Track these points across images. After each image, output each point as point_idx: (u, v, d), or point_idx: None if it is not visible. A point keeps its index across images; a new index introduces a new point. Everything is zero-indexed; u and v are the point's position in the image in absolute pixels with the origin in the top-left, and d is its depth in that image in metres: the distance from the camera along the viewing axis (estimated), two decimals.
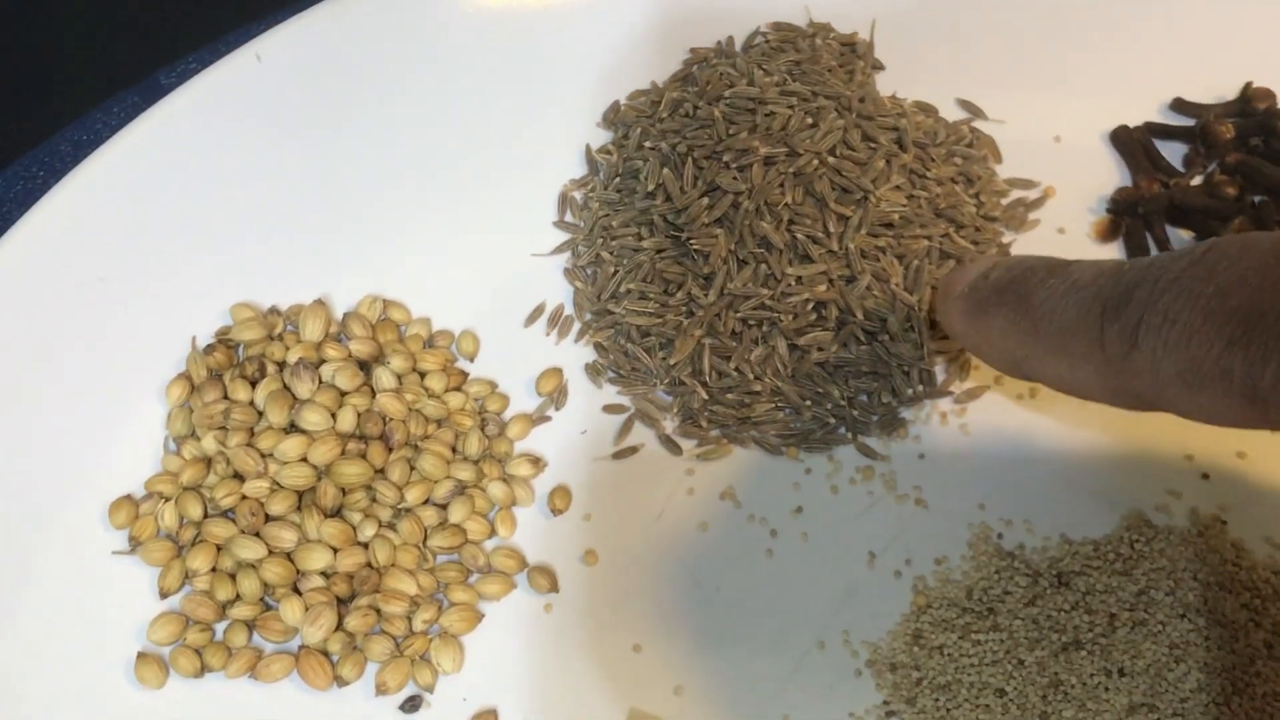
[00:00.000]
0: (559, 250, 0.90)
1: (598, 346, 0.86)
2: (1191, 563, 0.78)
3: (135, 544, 0.78)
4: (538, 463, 0.82)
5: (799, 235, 0.84)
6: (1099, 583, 0.77)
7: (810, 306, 0.84)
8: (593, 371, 0.86)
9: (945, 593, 0.79)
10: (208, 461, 0.79)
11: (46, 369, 0.83)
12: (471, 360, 0.85)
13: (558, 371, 0.85)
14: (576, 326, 0.88)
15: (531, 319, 0.88)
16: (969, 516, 0.82)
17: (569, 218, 0.91)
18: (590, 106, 0.94)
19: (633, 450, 0.84)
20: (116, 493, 0.80)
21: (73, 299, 0.84)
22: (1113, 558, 0.79)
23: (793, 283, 0.83)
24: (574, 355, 0.87)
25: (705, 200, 0.85)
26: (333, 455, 0.78)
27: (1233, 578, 0.78)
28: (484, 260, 0.89)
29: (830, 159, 0.85)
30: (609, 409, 0.85)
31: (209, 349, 0.82)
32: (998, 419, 0.85)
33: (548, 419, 0.85)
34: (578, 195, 0.92)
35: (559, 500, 0.81)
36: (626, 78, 0.94)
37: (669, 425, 0.85)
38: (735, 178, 0.84)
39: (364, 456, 0.78)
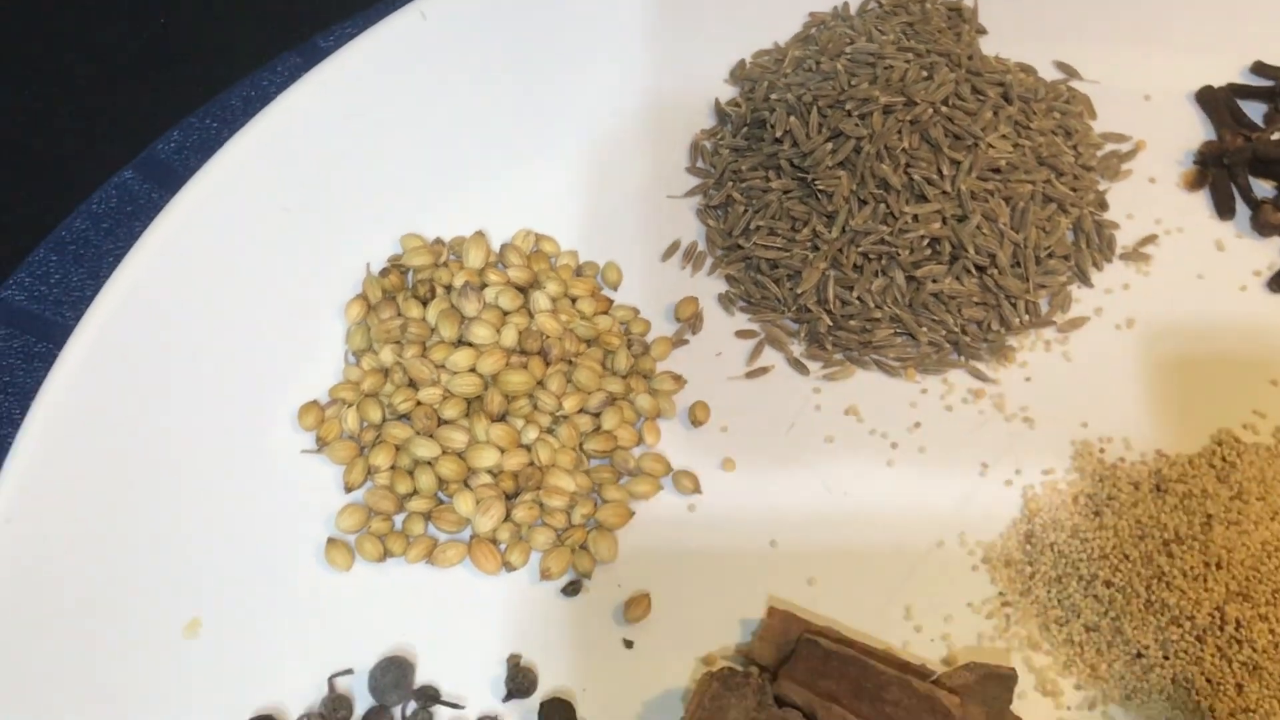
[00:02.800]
0: (692, 193, 0.95)
1: (729, 278, 0.91)
2: (1279, 473, 0.82)
3: (322, 444, 0.83)
4: (679, 379, 0.87)
5: (915, 177, 0.88)
6: (1195, 488, 0.81)
7: (925, 242, 0.89)
8: (726, 301, 0.91)
9: (1053, 499, 0.83)
10: (385, 372, 0.85)
11: (241, 292, 0.89)
12: (615, 289, 0.91)
13: (694, 300, 0.90)
14: (709, 261, 0.92)
15: (668, 254, 0.93)
16: (1072, 434, 0.86)
17: (700, 164, 0.96)
18: (717, 64, 0.99)
19: (764, 371, 0.89)
20: (304, 399, 0.85)
21: (261, 230, 0.91)
22: (1206, 469, 0.83)
23: (910, 220, 0.88)
24: (708, 286, 0.92)
25: (829, 145, 0.90)
26: (498, 366, 0.83)
27: None
28: (625, 202, 0.95)
29: (944, 108, 0.90)
30: (741, 334, 0.90)
31: (383, 272, 0.88)
32: (1097, 346, 0.90)
33: (686, 342, 0.90)
34: (708, 144, 0.97)
35: (699, 413, 0.86)
36: (750, 39, 0.99)
37: (796, 349, 0.90)
38: (857, 124, 0.89)
39: (525, 368, 0.83)
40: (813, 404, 0.87)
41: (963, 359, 0.88)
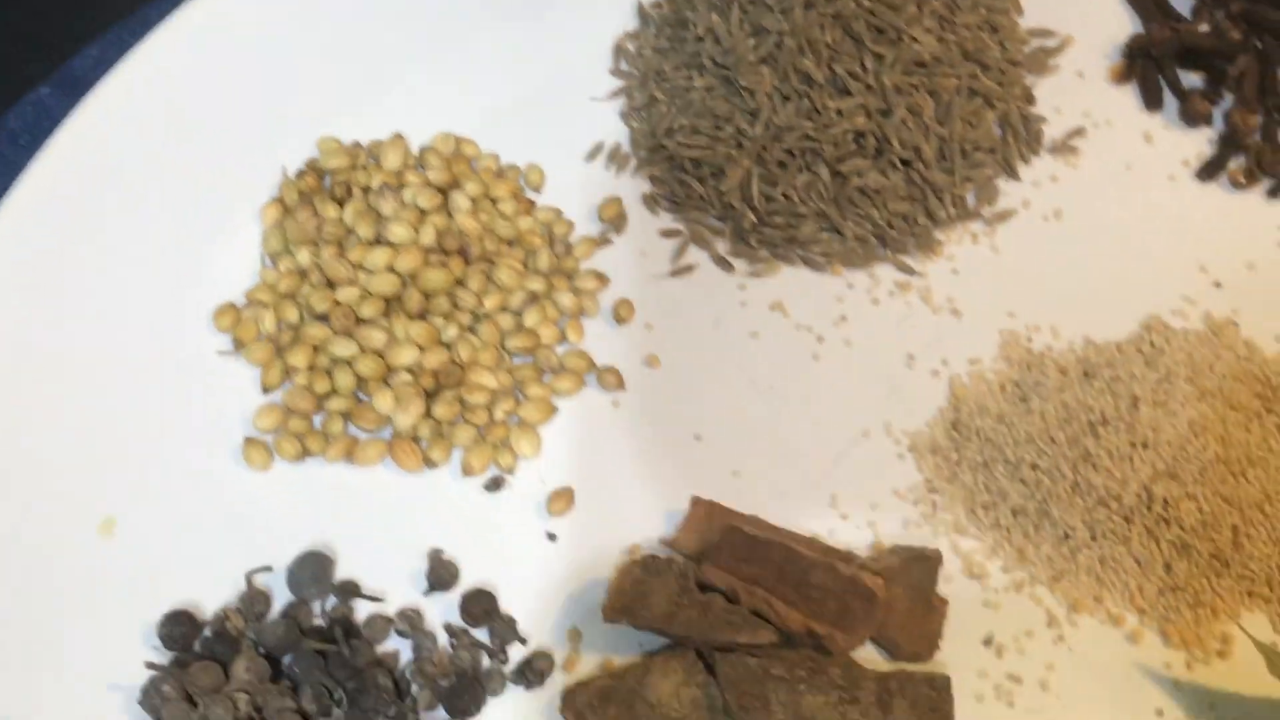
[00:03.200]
0: (615, 95, 0.94)
1: (653, 178, 0.90)
2: (1207, 357, 0.82)
3: (239, 345, 0.82)
4: (602, 278, 0.86)
5: (839, 71, 0.87)
6: (1123, 372, 0.80)
7: (850, 137, 0.87)
8: (650, 201, 0.90)
9: (980, 387, 0.82)
10: (302, 274, 0.83)
11: (155, 198, 0.88)
12: (538, 191, 0.89)
13: (617, 200, 0.89)
14: (633, 162, 0.91)
15: (592, 155, 0.92)
16: (999, 324, 0.86)
17: (624, 66, 0.95)
18: None
19: (689, 269, 0.88)
20: (221, 302, 0.83)
21: (174, 136, 0.89)
22: (1134, 354, 0.82)
23: (833, 115, 0.87)
24: (632, 187, 0.91)
25: (751, 41, 0.89)
26: (416, 264, 0.82)
27: (1246, 371, 0.81)
28: (547, 105, 0.93)
29: (866, 2, 0.88)
30: (665, 233, 0.89)
31: (300, 175, 0.87)
32: (1025, 239, 0.89)
33: (610, 242, 0.88)
34: (630, 46, 0.96)
35: (623, 311, 0.85)
36: None
37: (721, 247, 0.88)
38: (779, 19, 0.88)
39: (445, 267, 0.82)
40: (738, 301, 0.86)
41: (889, 253, 0.87)
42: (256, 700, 0.67)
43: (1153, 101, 0.93)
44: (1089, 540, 0.75)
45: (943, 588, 0.74)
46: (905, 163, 0.87)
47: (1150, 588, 0.74)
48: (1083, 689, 0.72)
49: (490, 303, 0.82)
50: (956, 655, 0.72)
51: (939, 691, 0.69)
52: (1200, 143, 0.92)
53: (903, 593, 0.72)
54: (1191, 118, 0.92)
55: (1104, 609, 0.74)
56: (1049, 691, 0.72)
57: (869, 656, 0.72)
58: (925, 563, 0.73)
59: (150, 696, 0.68)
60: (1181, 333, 0.83)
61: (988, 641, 0.73)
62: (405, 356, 0.79)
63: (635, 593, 0.70)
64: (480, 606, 0.72)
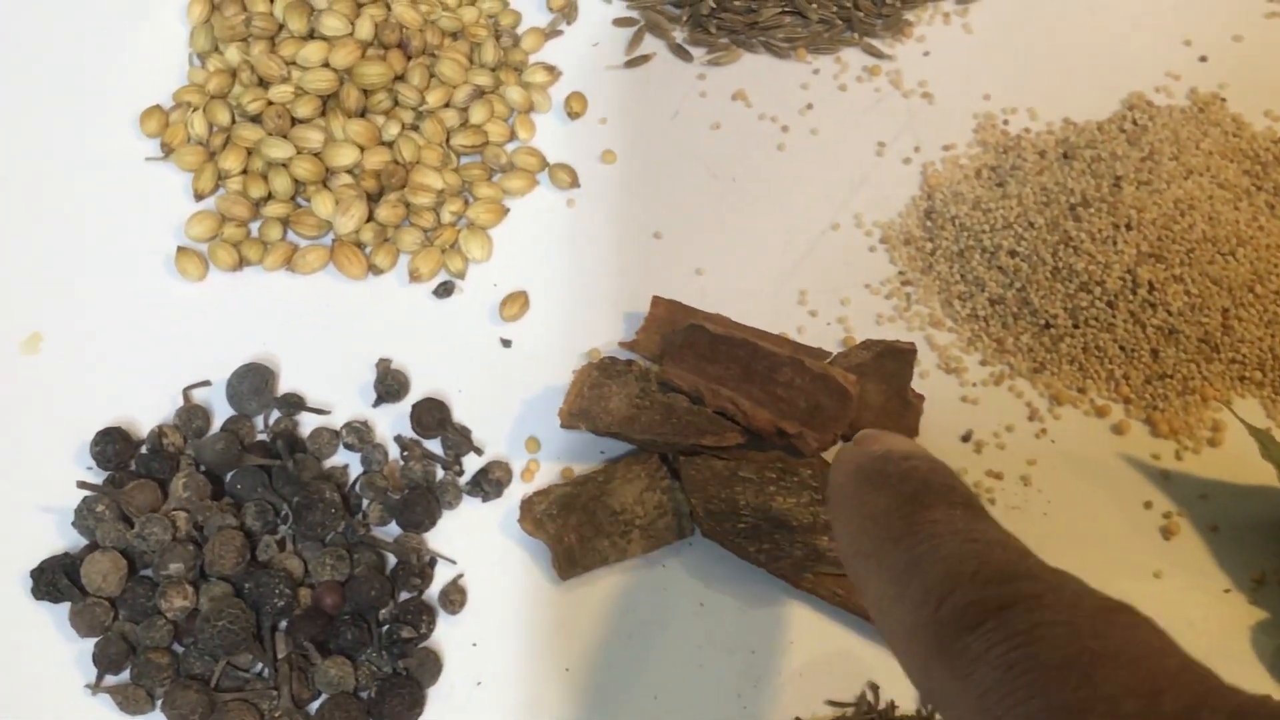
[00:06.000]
0: None
1: None
2: (1193, 134, 0.76)
3: (168, 150, 0.76)
4: (552, 71, 0.80)
5: None
6: (1104, 152, 0.75)
7: None
8: None
9: (954, 174, 0.76)
10: (232, 73, 0.76)
11: None
12: None
13: None
14: None
15: None
16: (974, 107, 0.80)
17: None
18: None
19: (644, 59, 0.81)
20: (145, 104, 0.77)
21: None
22: (1116, 133, 0.77)
23: None
24: None
25: None
26: (353, 59, 0.75)
27: (1234, 147, 0.76)
28: None
29: None
30: (619, 22, 0.83)
31: None
32: (999, 18, 0.83)
33: (560, 33, 0.82)
34: None
35: (575, 104, 0.78)
36: None
37: (678, 35, 0.82)
38: None
39: (384, 60, 0.75)
40: (697, 91, 0.80)
41: (856, 36, 0.82)
42: (196, 518, 0.62)
43: None
44: (1071, 328, 0.69)
45: (918, 383, 0.69)
46: None
47: (1136, 375, 0.69)
48: (1067, 483, 0.67)
49: (433, 98, 0.75)
50: (934, 452, 0.66)
51: None
52: None
53: (876, 389, 0.67)
54: None
55: (1088, 400, 0.69)
56: (1031, 487, 0.67)
57: None
58: (899, 357, 0.68)
59: (84, 517, 0.63)
60: (1166, 110, 0.78)
61: (966, 438, 0.68)
62: (345, 157, 0.73)
63: (593, 396, 0.65)
64: (432, 416, 0.67)
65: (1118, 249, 0.70)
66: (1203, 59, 0.80)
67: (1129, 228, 0.71)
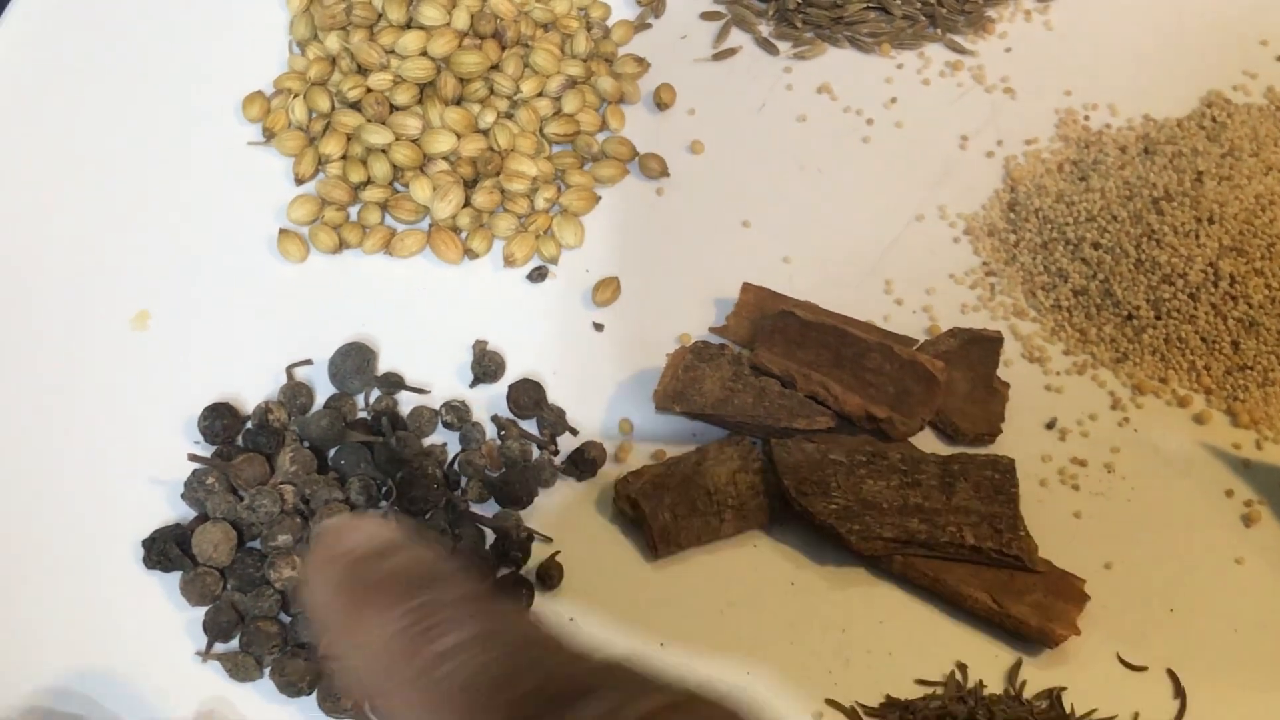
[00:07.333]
0: None
1: None
2: (1272, 131, 0.76)
3: (269, 135, 0.77)
4: (642, 62, 0.81)
5: None
6: (1185, 148, 0.75)
7: None
8: None
9: (1037, 168, 0.77)
10: (332, 61, 0.78)
11: None
12: None
13: None
14: None
15: None
16: (1055, 103, 0.81)
17: None
18: None
19: (731, 52, 0.82)
20: (247, 90, 0.78)
21: None
22: (1195, 130, 0.77)
23: None
24: None
25: None
26: (450, 48, 0.76)
27: None
28: None
29: None
30: (706, 16, 0.84)
31: None
32: (1079, 14, 0.84)
33: (649, 25, 0.83)
34: None
35: (664, 95, 0.79)
36: None
37: (765, 29, 0.83)
38: None
39: (480, 50, 0.76)
40: (783, 84, 0.81)
41: (939, 31, 0.82)
42: (303, 492, 0.63)
43: None
44: (1154, 320, 0.70)
45: (1002, 372, 0.69)
46: None
47: (1218, 367, 0.70)
48: (1149, 471, 0.68)
49: (527, 88, 0.76)
50: (1019, 439, 0.68)
51: (1003, 474, 0.64)
52: None
53: (962, 376, 0.68)
54: None
55: (1170, 390, 0.70)
56: (1114, 474, 0.67)
57: (929, 442, 0.67)
58: (985, 344, 0.69)
59: (193, 489, 0.64)
60: (1243, 108, 0.78)
61: (1050, 425, 0.69)
62: (442, 144, 0.74)
63: (687, 379, 0.66)
64: (528, 397, 0.68)
65: (1200, 242, 0.71)
66: (1279, 58, 0.80)
67: (1211, 221, 0.71)
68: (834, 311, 0.71)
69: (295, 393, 0.68)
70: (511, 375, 0.70)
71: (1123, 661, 0.62)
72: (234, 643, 0.62)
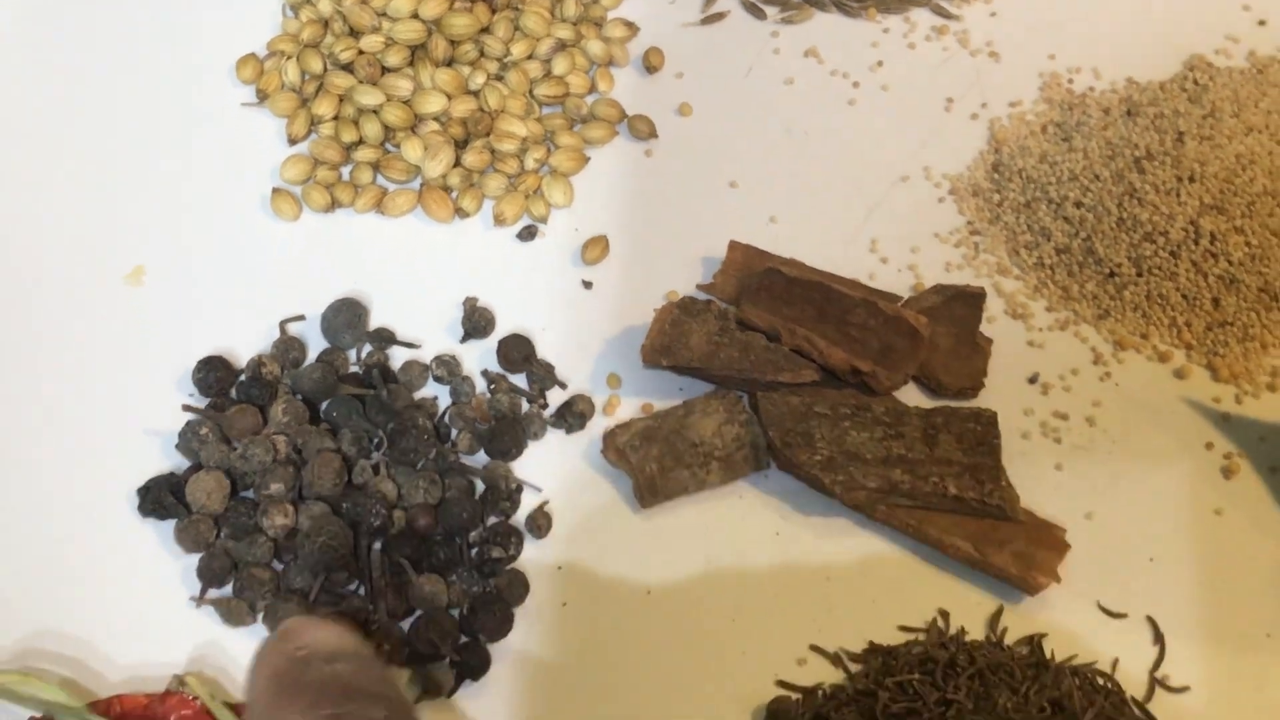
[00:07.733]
0: None
1: None
2: (1253, 94, 0.77)
3: (263, 96, 0.78)
4: (631, 26, 0.82)
5: None
6: (1167, 109, 0.76)
7: None
8: None
9: (1021, 129, 0.78)
10: (324, 23, 0.78)
11: None
12: None
13: None
14: None
15: None
16: (1039, 66, 0.82)
17: None
18: None
19: (719, 16, 0.83)
20: (240, 53, 0.79)
21: None
22: (1178, 92, 0.78)
23: None
24: None
25: None
26: (441, 10, 0.78)
27: None
28: None
29: None
30: None
31: None
32: None
33: None
34: None
35: (653, 58, 0.80)
36: None
37: None
38: None
39: (470, 13, 0.77)
40: (770, 48, 0.82)
41: None
42: (295, 442, 0.64)
43: None
44: (1135, 277, 0.71)
45: (986, 329, 0.70)
46: None
47: (1198, 323, 0.70)
48: (1131, 424, 0.69)
49: (517, 50, 0.77)
50: (1002, 393, 0.69)
51: (985, 426, 0.65)
52: None
53: (946, 331, 0.69)
54: None
55: (1151, 345, 0.71)
56: (1096, 427, 0.68)
57: (913, 396, 0.68)
58: (969, 301, 0.69)
59: (188, 439, 0.65)
60: (1225, 71, 0.79)
61: (1033, 379, 0.70)
62: (433, 105, 0.75)
63: (674, 333, 0.67)
64: (518, 352, 0.69)
65: (1181, 201, 0.72)
66: (1261, 23, 0.82)
67: (1192, 180, 0.72)
68: (820, 269, 0.71)
69: (288, 347, 0.69)
70: (501, 331, 0.71)
71: (1103, 609, 0.63)
72: (227, 588, 0.63)
